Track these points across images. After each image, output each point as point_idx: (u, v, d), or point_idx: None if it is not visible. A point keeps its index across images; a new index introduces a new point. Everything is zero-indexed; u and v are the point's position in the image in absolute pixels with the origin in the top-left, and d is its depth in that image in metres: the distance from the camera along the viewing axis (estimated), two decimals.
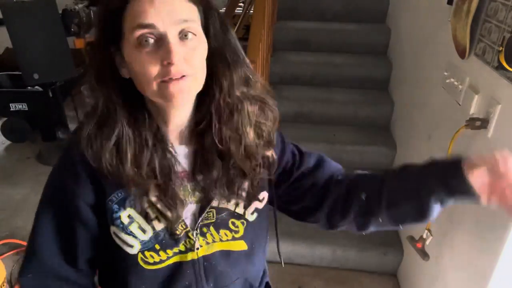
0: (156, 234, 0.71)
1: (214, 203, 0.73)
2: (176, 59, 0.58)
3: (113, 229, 0.71)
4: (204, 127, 0.70)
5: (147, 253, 0.72)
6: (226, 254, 0.77)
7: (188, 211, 0.73)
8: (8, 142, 3.40)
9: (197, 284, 0.76)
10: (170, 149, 0.71)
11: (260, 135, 0.73)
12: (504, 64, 1.04)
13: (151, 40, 0.59)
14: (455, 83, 1.39)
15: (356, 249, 2.05)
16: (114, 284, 0.78)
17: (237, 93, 0.67)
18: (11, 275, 2.07)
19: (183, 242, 0.73)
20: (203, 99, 0.69)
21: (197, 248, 0.74)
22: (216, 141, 0.69)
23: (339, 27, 2.85)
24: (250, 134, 0.71)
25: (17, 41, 2.62)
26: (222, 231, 0.75)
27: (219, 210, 0.74)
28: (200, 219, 0.73)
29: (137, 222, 0.70)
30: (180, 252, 0.74)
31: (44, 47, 2.68)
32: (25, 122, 3.30)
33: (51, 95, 2.98)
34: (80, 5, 3.18)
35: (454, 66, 1.42)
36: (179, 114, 0.69)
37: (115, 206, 0.70)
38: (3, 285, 1.89)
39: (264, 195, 0.79)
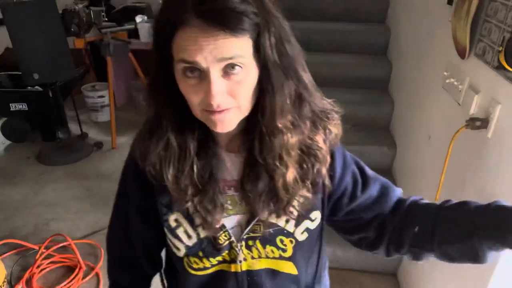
0: (200, 241, 0.72)
1: (263, 217, 0.70)
2: (218, 99, 0.57)
3: (165, 229, 0.74)
4: (252, 139, 0.66)
5: (191, 259, 0.73)
6: (273, 273, 0.75)
7: (234, 222, 0.72)
8: (8, 142, 3.40)
9: None
10: (219, 156, 0.70)
11: (305, 163, 0.68)
12: (504, 64, 1.04)
13: (195, 73, 0.58)
14: (455, 83, 1.39)
15: (356, 249, 2.05)
16: (174, 280, 0.84)
17: (279, 123, 0.63)
18: (11, 275, 2.07)
19: (226, 252, 0.73)
20: (254, 112, 0.65)
21: (240, 261, 0.73)
22: (259, 159, 0.66)
23: (339, 27, 2.85)
24: (290, 169, 0.66)
25: (17, 41, 2.62)
26: (269, 247, 0.73)
27: (267, 224, 0.71)
28: (246, 231, 0.71)
29: (183, 227, 0.72)
30: (224, 261, 0.74)
31: (44, 47, 2.68)
32: (25, 122, 3.30)
33: (51, 95, 2.98)
34: (80, 5, 3.18)
35: (454, 66, 1.42)
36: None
37: (164, 209, 0.72)
38: (3, 285, 1.89)
39: (316, 215, 0.74)
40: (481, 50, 1.22)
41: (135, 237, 0.79)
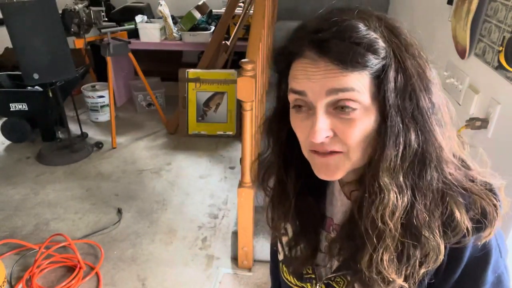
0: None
1: (349, 276, 0.62)
2: (320, 136, 0.51)
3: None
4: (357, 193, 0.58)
5: (284, 267, 0.74)
6: None
7: (326, 261, 0.67)
8: (8, 142, 3.40)
9: None
10: (333, 193, 0.67)
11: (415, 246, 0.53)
12: (504, 64, 1.04)
13: (303, 108, 0.54)
14: (455, 83, 1.39)
15: None
16: None
17: (381, 181, 0.51)
18: (11, 275, 2.07)
19: (308, 283, 0.70)
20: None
21: None
22: (356, 216, 0.56)
23: None
24: (385, 244, 0.53)
25: (17, 41, 2.62)
26: None
27: (348, 284, 0.62)
28: (327, 276, 0.65)
29: (288, 237, 0.71)
30: None
31: (44, 47, 2.67)
32: (25, 122, 3.30)
33: (51, 95, 2.98)
34: (80, 5, 3.18)
35: (454, 66, 1.42)
36: None
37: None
38: (3, 285, 1.89)
39: None
40: (481, 50, 1.22)
41: None
